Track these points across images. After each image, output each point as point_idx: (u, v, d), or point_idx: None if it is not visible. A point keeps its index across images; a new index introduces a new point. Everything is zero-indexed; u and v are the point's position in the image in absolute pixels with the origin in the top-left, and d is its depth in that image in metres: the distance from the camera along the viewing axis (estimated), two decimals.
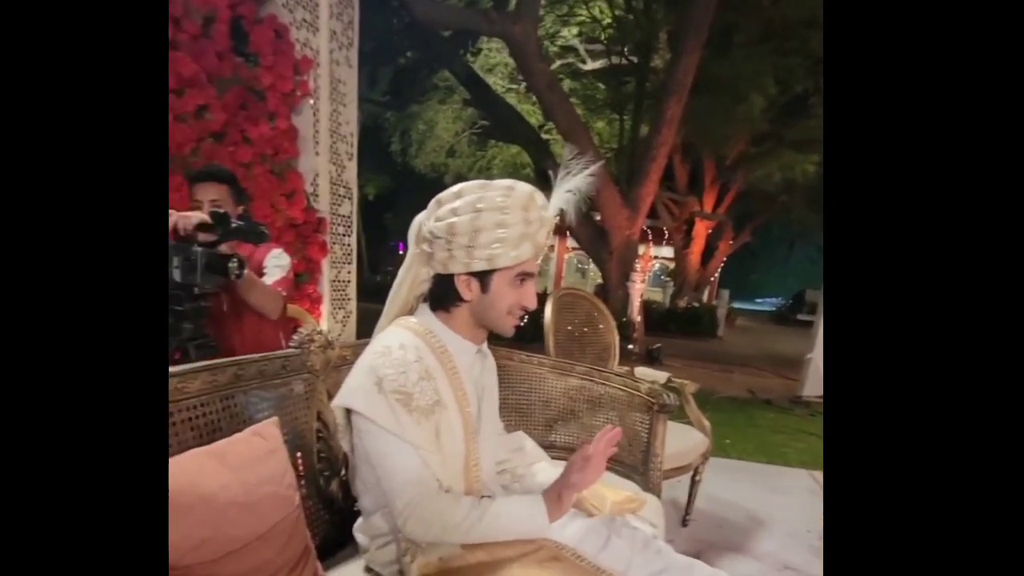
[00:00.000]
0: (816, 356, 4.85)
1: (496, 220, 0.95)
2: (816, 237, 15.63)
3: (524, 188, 0.99)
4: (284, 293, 1.62)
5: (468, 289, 1.01)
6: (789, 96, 9.19)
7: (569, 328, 2.52)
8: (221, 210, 1.41)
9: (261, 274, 1.61)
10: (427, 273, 1.05)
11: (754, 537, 2.29)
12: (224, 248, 1.41)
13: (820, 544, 2.24)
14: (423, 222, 1.02)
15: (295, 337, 1.17)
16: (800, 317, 17.00)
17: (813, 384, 4.87)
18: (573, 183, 1.01)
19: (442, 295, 1.04)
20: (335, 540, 1.16)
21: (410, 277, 1.07)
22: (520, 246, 0.97)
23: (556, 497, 0.97)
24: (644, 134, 8.57)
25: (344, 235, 2.67)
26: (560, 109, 6.68)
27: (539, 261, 1.05)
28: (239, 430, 0.97)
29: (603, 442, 0.98)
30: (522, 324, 1.07)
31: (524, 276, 1.01)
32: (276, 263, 1.64)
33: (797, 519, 2.48)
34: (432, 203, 1.02)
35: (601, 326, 2.63)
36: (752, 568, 2.05)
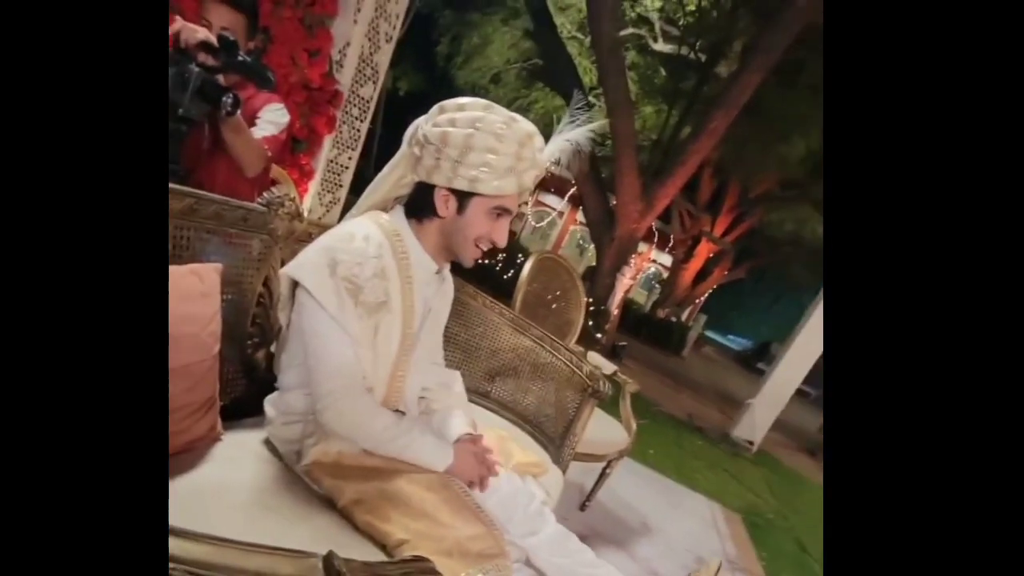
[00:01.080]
0: (756, 403, 4.97)
1: (489, 145, 0.94)
2: (802, 297, 15.81)
3: (527, 125, 0.98)
4: (269, 153, 1.54)
5: (445, 206, 1.00)
6: None
7: (542, 293, 2.51)
8: (232, 37, 1.32)
9: (253, 124, 1.52)
10: (411, 179, 1.03)
11: (637, 540, 2.38)
12: (222, 80, 1.32)
13: (692, 564, 2.35)
14: (421, 124, 1.01)
15: (265, 195, 1.13)
16: (759, 365, 17.39)
17: (745, 427, 5.00)
18: (573, 134, 1.01)
19: (419, 204, 1.03)
20: (245, 407, 1.15)
21: (394, 177, 1.05)
22: (505, 178, 0.96)
23: (465, 462, 1.03)
24: (685, 135, 8.42)
25: (358, 118, 2.55)
26: (614, 77, 6.47)
27: (520, 202, 1.05)
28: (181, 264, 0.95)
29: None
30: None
31: (501, 211, 1.01)
32: (272, 118, 1.54)
33: (682, 537, 2.59)
34: (435, 108, 1.01)
35: (572, 302, 2.62)
36: (624, 565, 2.13)
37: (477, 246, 1.03)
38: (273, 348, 1.21)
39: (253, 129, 1.51)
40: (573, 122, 1.01)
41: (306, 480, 0.98)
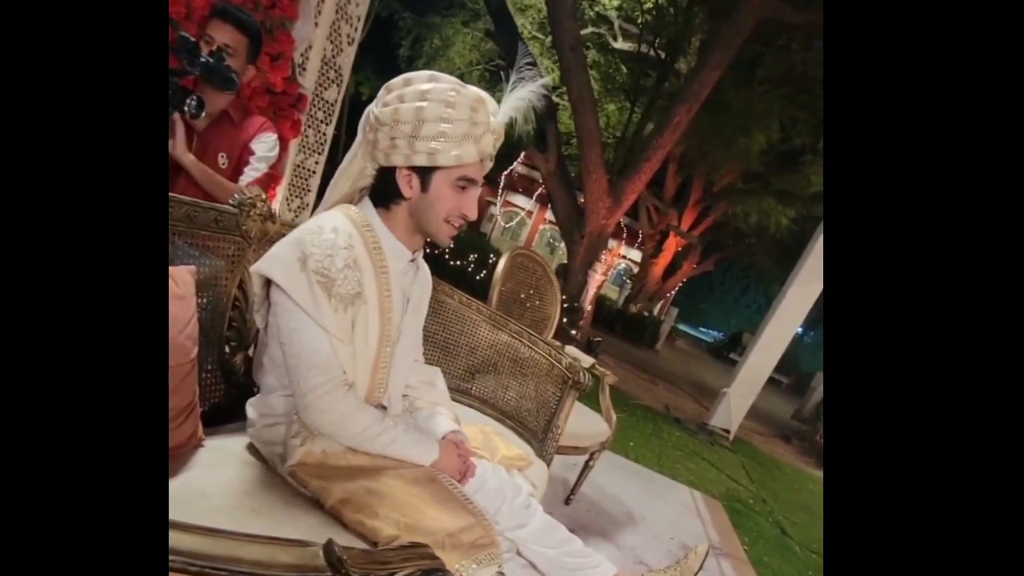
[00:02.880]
0: (731, 392, 5.07)
1: (441, 113, 0.93)
2: (769, 287, 16.24)
3: (476, 90, 0.98)
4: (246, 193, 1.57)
5: (409, 186, 0.99)
6: (787, 146, 9.39)
7: (516, 289, 2.52)
8: (192, 38, 1.30)
9: (246, 151, 1.54)
10: (371, 168, 1.02)
11: (622, 530, 2.41)
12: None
13: (677, 551, 2.38)
14: (371, 108, 0.99)
15: (235, 196, 1.11)
16: (731, 356, 17.79)
17: (721, 416, 5.10)
18: (524, 91, 1.00)
19: (383, 190, 1.01)
20: (226, 412, 1.13)
21: (354, 169, 1.03)
22: (463, 145, 0.95)
23: (449, 458, 1.04)
24: (648, 132, 8.55)
25: (323, 122, 2.52)
26: (576, 75, 6.53)
27: (484, 171, 1.03)
28: None
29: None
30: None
31: (466, 183, 1.00)
32: (262, 154, 1.58)
33: (665, 526, 2.62)
34: (382, 89, 0.99)
35: (547, 297, 2.64)
36: (610, 554, 2.15)
37: (448, 222, 1.01)
38: (251, 352, 1.19)
39: (241, 178, 1.54)
40: (520, 78, 0.99)
41: (291, 482, 0.97)
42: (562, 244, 10.37)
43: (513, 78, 1.00)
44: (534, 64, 1.02)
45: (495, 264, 2.41)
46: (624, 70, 10.98)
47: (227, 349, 1.14)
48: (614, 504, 2.63)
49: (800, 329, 5.13)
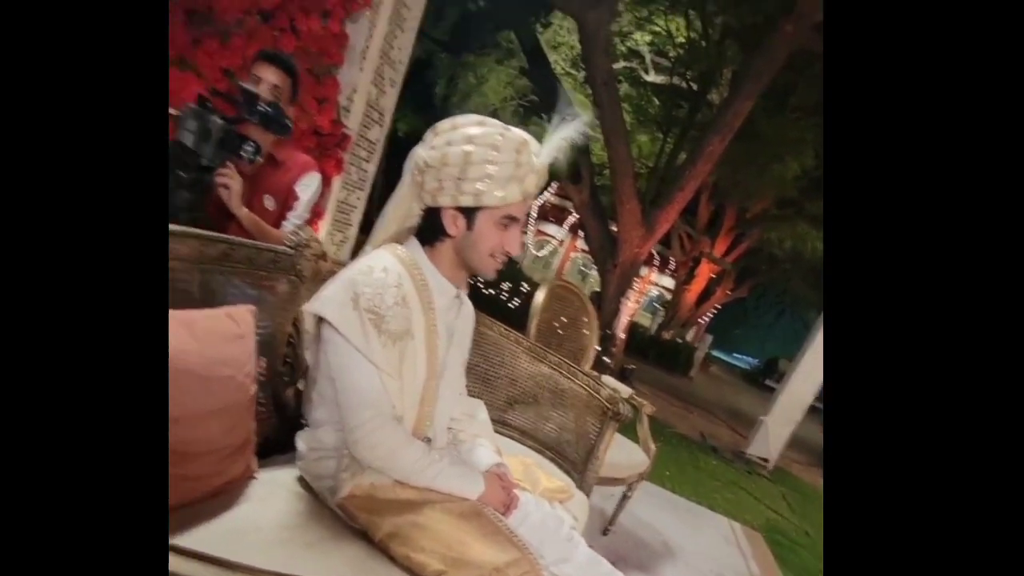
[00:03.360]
0: (769, 420, 4.93)
1: (487, 156, 0.96)
2: (805, 313, 15.81)
3: (521, 133, 1.01)
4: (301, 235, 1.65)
5: (454, 224, 1.02)
6: (821, 172, 9.23)
7: (553, 320, 2.54)
8: (254, 89, 1.39)
9: (289, 196, 1.62)
10: (418, 208, 1.06)
11: (661, 563, 2.36)
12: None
13: None
14: (418, 151, 1.03)
15: (291, 237, 1.17)
16: (767, 382, 17.29)
17: (759, 445, 4.95)
18: (566, 131, 1.02)
19: (429, 229, 1.05)
20: (276, 445, 1.17)
21: (401, 208, 1.07)
22: (507, 187, 0.98)
23: (494, 490, 1.04)
24: (681, 161, 8.53)
25: (365, 160, 2.63)
26: (609, 109, 6.59)
27: (528, 210, 1.06)
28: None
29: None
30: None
31: (510, 220, 1.02)
32: (306, 199, 1.67)
33: (703, 558, 2.56)
34: (428, 132, 1.03)
35: (584, 328, 2.65)
36: None
37: (493, 258, 1.05)
38: (300, 385, 1.23)
39: (284, 224, 1.63)
40: (563, 119, 1.02)
41: (341, 515, 0.99)
42: (593, 272, 10.34)
43: (556, 119, 1.03)
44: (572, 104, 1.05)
45: (528, 293, 2.44)
46: (656, 102, 11.02)
47: (280, 384, 1.19)
48: (652, 535, 2.59)
49: None
